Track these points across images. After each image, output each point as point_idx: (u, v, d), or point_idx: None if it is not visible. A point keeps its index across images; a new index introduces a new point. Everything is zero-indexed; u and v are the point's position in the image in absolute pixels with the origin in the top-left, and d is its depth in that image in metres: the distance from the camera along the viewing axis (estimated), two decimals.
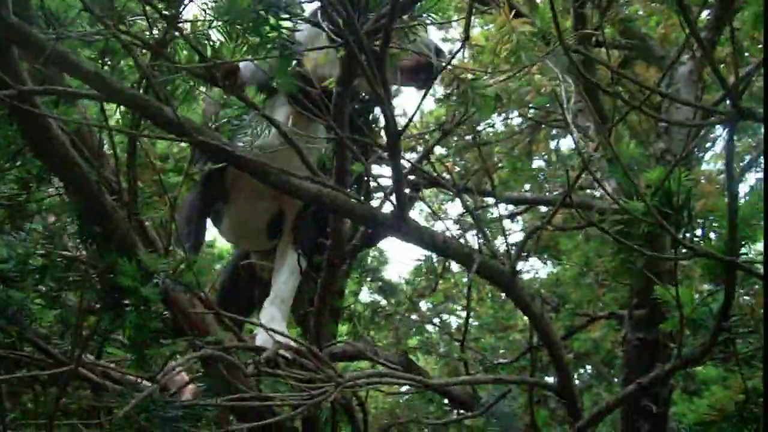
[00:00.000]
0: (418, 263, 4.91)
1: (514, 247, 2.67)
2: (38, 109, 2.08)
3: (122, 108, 2.36)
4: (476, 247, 2.32)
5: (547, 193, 5.08)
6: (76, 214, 2.35)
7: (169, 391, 2.55)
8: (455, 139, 4.47)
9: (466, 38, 2.15)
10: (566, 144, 5.40)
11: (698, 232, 2.04)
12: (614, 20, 4.09)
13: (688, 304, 2.19)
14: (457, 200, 3.64)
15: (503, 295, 5.63)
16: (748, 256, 2.02)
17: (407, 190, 3.57)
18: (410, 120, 2.23)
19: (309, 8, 2.62)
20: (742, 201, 1.93)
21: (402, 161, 2.14)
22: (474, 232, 2.34)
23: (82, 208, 2.30)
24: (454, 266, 5.16)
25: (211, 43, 2.08)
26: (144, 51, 2.21)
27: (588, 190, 4.68)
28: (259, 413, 2.60)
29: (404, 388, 5.00)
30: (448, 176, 3.15)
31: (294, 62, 2.19)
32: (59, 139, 2.16)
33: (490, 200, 4.90)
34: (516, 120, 5.13)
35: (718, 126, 3.25)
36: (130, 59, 2.19)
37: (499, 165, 4.86)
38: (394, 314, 4.73)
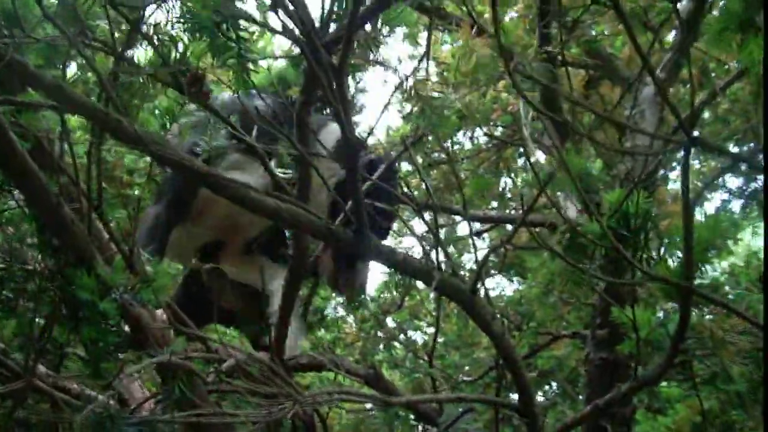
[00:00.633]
0: (384, 279, 4.94)
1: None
2: None
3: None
4: (437, 264, 2.32)
5: (513, 211, 5.10)
6: (35, 226, 2.33)
7: (129, 406, 2.54)
8: (421, 157, 4.47)
9: (427, 53, 2.16)
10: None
11: (661, 251, 2.05)
12: (580, 40, 4.12)
13: (644, 326, 2.20)
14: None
15: None
16: (706, 277, 2.03)
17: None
18: (369, 133, 2.24)
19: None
20: (702, 222, 1.94)
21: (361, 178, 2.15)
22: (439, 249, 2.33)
23: (42, 219, 2.29)
24: (420, 283, 5.17)
25: (177, 50, 2.08)
26: (108, 56, 2.21)
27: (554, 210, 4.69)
28: (218, 430, 2.60)
29: (369, 405, 5.01)
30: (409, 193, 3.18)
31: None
32: (18, 150, 2.15)
33: (457, 219, 4.93)
34: (482, 139, 5.15)
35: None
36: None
37: (465, 182, 4.86)
38: (359, 330, 4.74)
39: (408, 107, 2.75)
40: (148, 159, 3.65)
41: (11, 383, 2.56)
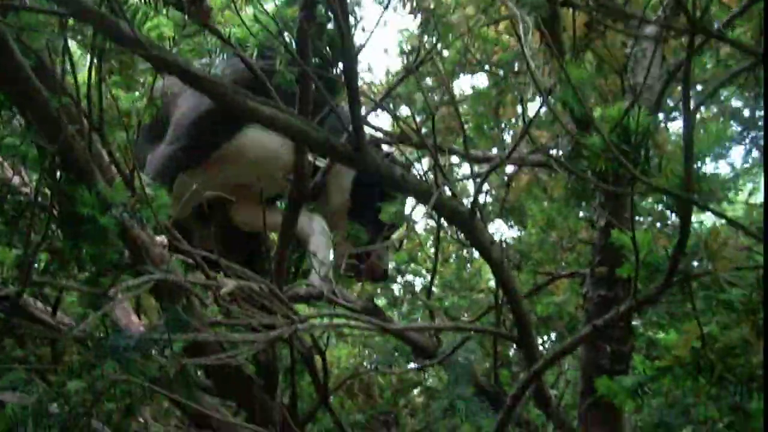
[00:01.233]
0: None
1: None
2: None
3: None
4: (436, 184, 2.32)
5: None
6: (35, 144, 2.33)
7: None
8: (422, 98, 4.45)
9: None
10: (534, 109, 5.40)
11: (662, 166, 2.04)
12: None
13: (644, 247, 2.20)
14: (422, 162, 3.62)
15: (467, 254, 5.67)
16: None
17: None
18: (369, 37, 2.23)
19: None
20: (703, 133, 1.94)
21: (362, 98, 2.14)
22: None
23: (43, 136, 2.28)
24: (419, 227, 5.18)
25: None
26: None
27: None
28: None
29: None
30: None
31: None
32: (22, 65, 2.15)
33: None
34: (483, 82, 5.14)
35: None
36: None
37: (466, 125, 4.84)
38: None
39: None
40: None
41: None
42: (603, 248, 3.69)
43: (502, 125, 5.24)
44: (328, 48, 2.60)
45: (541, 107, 2.28)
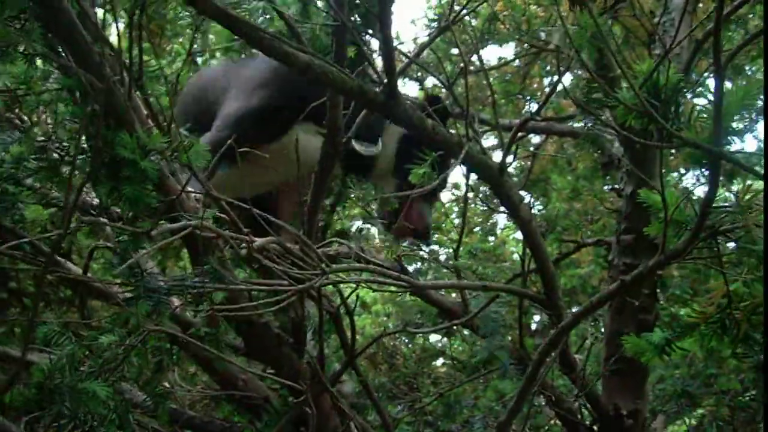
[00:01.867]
0: None
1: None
2: None
3: None
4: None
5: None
6: (76, 89, 2.36)
7: None
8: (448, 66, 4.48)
9: None
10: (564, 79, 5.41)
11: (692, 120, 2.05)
12: None
13: (672, 204, 2.22)
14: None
15: (491, 224, 5.71)
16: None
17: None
18: None
19: None
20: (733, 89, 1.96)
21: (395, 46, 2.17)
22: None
23: (83, 82, 2.31)
24: (444, 197, 5.21)
25: None
26: None
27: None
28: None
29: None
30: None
31: None
32: (66, 10, 2.19)
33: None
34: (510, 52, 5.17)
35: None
36: None
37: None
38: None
39: None
40: None
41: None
42: (629, 216, 3.72)
43: (528, 97, 5.26)
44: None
45: (567, 68, 2.29)
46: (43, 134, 2.77)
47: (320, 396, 3.09)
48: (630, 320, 3.66)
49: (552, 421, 4.75)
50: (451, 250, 5.05)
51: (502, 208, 4.84)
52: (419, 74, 4.70)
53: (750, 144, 5.68)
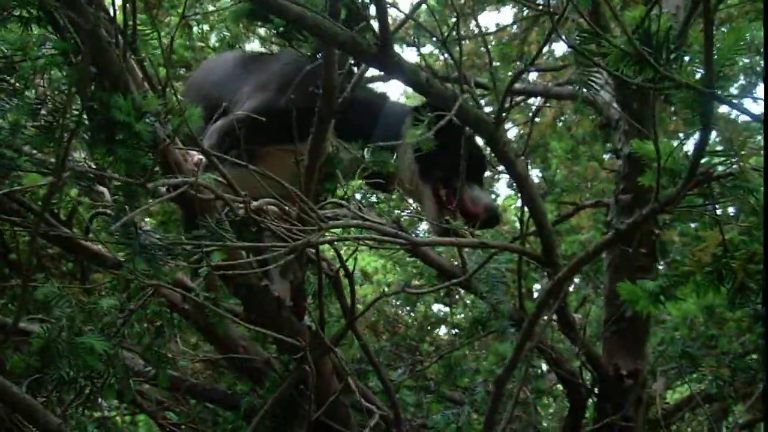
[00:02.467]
0: None
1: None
2: None
3: None
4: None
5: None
6: (71, 52, 2.36)
7: None
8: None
9: None
10: (559, 48, 5.44)
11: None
12: None
13: (666, 153, 2.23)
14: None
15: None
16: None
17: None
18: None
19: None
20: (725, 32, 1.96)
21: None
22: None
23: (78, 44, 2.31)
24: None
25: None
26: None
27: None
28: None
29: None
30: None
31: None
32: None
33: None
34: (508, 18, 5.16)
35: None
36: None
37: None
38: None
39: None
40: None
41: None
42: (627, 176, 3.73)
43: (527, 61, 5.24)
44: None
45: (562, 15, 2.29)
46: (38, 98, 2.77)
47: (321, 359, 3.10)
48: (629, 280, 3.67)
49: (555, 386, 4.78)
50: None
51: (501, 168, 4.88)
52: (415, 39, 4.69)
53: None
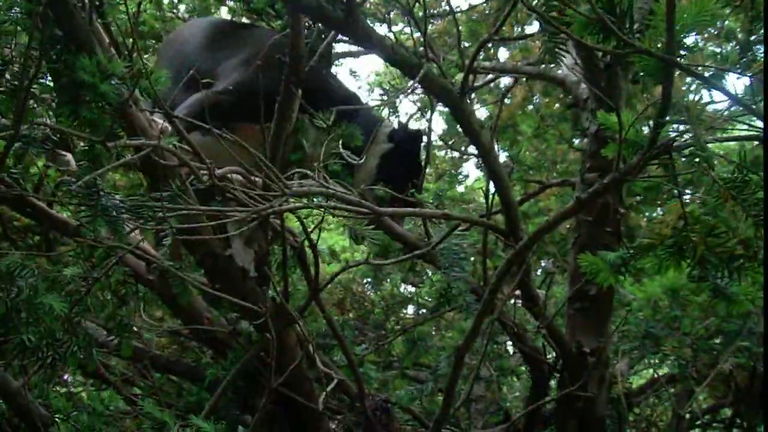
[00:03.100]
0: None
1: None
2: None
3: None
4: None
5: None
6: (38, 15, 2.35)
7: None
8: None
9: None
10: (531, 29, 5.44)
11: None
12: None
13: (628, 123, 2.24)
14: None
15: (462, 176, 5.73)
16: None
17: None
18: None
19: None
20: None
21: None
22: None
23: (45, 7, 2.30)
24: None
25: None
26: None
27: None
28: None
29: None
30: None
31: None
32: None
33: None
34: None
35: None
36: None
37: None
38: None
39: None
40: None
41: None
42: (593, 155, 3.74)
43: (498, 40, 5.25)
44: None
45: None
46: (2, 61, 2.75)
47: (284, 330, 3.11)
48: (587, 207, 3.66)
49: (519, 366, 4.80)
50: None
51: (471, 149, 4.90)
52: (385, 15, 4.70)
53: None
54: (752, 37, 4.97)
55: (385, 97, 2.61)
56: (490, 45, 5.04)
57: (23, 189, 3.12)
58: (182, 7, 5.06)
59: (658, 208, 5.14)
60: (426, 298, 5.21)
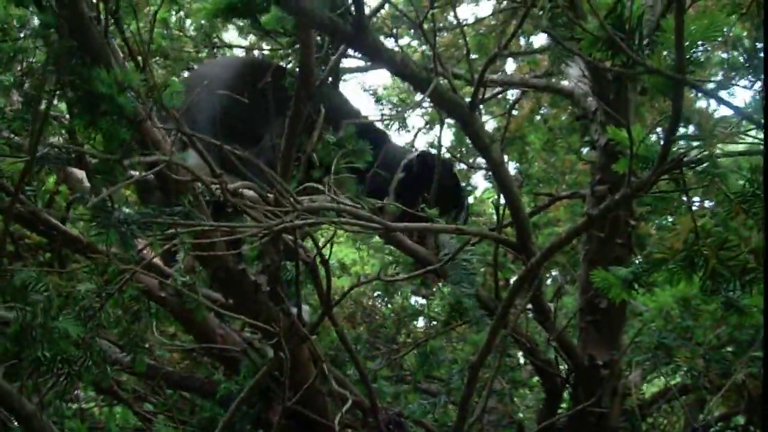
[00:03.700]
0: None
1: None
2: None
3: None
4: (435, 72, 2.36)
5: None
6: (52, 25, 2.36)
7: None
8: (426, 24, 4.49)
9: None
10: (538, 41, 5.45)
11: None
12: None
13: (639, 139, 2.24)
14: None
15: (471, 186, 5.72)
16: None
17: None
18: None
19: None
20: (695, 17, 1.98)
21: None
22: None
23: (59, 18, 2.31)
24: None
25: None
26: None
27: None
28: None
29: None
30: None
31: None
32: None
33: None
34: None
35: None
36: None
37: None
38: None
39: None
40: None
41: None
42: (603, 167, 3.74)
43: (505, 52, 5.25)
44: None
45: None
46: (18, 77, 2.77)
47: (298, 346, 3.11)
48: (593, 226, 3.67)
49: (531, 378, 4.80)
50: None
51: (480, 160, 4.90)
52: (394, 29, 4.72)
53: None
54: (758, 45, 4.97)
55: (394, 112, 2.60)
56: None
57: (36, 205, 3.14)
58: (189, 25, 5.07)
59: (669, 216, 5.13)
60: (436, 310, 5.21)
